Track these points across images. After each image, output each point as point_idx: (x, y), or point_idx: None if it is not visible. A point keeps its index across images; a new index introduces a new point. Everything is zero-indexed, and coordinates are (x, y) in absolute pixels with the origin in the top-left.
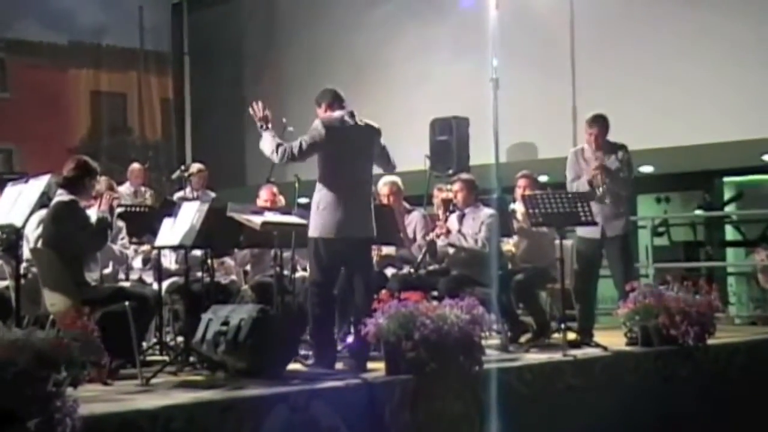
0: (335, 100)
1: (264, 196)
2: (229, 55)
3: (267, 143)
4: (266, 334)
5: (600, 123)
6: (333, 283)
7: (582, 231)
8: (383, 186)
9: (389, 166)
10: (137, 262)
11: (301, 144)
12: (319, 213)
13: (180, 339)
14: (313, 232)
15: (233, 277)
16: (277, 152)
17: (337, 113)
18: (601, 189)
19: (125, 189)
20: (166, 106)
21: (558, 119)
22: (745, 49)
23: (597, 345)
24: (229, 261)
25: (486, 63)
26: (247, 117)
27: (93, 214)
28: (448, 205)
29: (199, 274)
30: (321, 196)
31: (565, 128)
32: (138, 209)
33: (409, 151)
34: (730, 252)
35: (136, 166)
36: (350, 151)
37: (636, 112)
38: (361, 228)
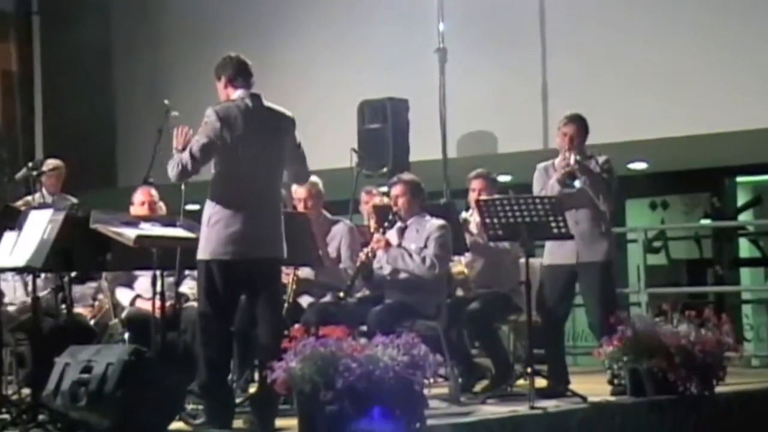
0: (240, 74)
1: (141, 200)
2: (93, 20)
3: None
4: (141, 384)
5: (577, 123)
6: (229, 317)
7: (550, 256)
8: (299, 188)
9: (303, 173)
10: None
11: (191, 150)
12: (211, 228)
13: (26, 391)
14: (202, 254)
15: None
16: (168, 169)
17: (238, 93)
18: (578, 183)
19: None
20: (8, 81)
21: (524, 103)
22: (765, 16)
23: (573, 394)
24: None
25: (430, 28)
26: (117, 100)
27: None
28: (381, 214)
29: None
30: (213, 207)
31: (533, 114)
32: None
33: (331, 143)
34: (745, 273)
35: None
36: (253, 147)
37: (623, 94)
38: (266, 246)
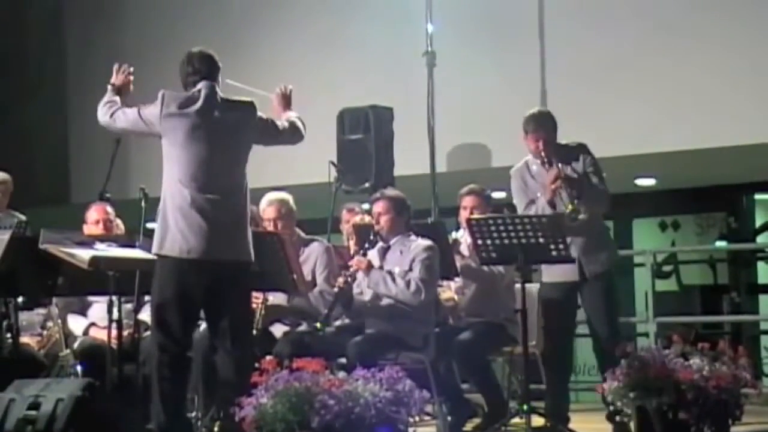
0: (201, 66)
1: (95, 218)
2: (43, 17)
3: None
4: (95, 423)
5: (546, 125)
6: (185, 334)
7: (550, 273)
8: (268, 206)
9: (295, 135)
10: None
11: (124, 110)
12: (162, 223)
13: None
14: (156, 248)
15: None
16: (99, 106)
17: (194, 87)
18: (569, 206)
19: None
20: None
21: (520, 113)
22: None
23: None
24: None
25: (418, 30)
26: (71, 105)
27: None
28: (363, 233)
29: None
30: (164, 203)
31: None
32: None
33: (307, 155)
34: (764, 301)
35: None
36: (208, 139)
37: (629, 103)
38: (227, 247)
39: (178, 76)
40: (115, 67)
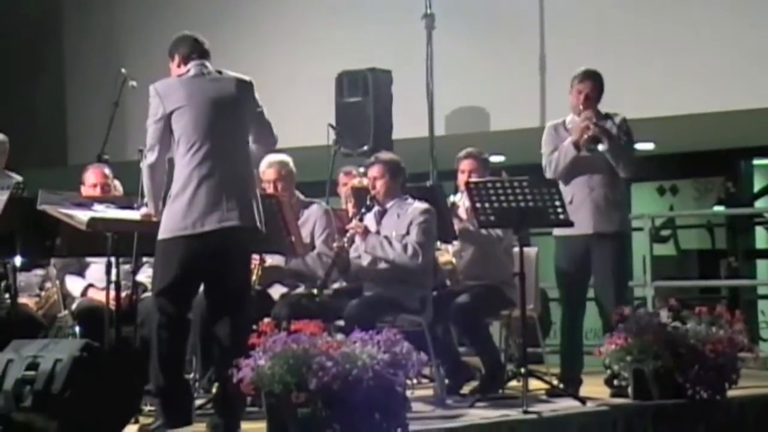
0: (193, 51)
1: (92, 181)
2: None
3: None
4: (93, 383)
5: (593, 79)
6: (186, 301)
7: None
8: (268, 168)
9: (268, 140)
10: None
11: (148, 143)
12: (170, 206)
13: None
14: (162, 234)
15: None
16: (144, 178)
17: (185, 68)
18: (601, 147)
19: None
20: None
21: (519, 75)
22: None
23: (573, 396)
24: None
25: None
26: (68, 66)
27: None
28: (361, 196)
29: None
30: (173, 184)
31: (529, 88)
32: None
33: (305, 118)
34: (761, 265)
35: None
36: (204, 113)
37: (628, 66)
38: (234, 213)
39: (172, 35)
40: None
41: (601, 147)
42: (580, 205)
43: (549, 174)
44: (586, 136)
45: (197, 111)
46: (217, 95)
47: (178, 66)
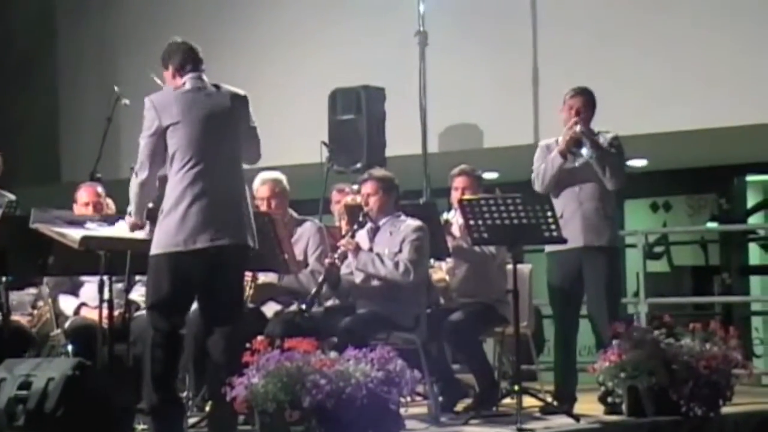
0: (189, 61)
1: (85, 200)
2: None
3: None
4: (85, 402)
5: (585, 95)
6: (179, 316)
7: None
8: (261, 186)
9: (253, 156)
10: None
11: (140, 158)
12: (163, 221)
13: None
14: (154, 249)
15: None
16: (132, 190)
17: (181, 80)
18: (585, 150)
19: None
20: None
21: (512, 93)
22: None
23: (567, 413)
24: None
25: (410, 9)
26: (61, 83)
27: None
28: (354, 214)
29: None
30: (166, 200)
31: (523, 106)
32: None
33: (299, 136)
34: (755, 282)
35: None
36: (199, 129)
37: (621, 83)
38: (226, 231)
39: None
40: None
41: (584, 151)
42: (570, 219)
43: (537, 186)
44: (568, 137)
45: (192, 128)
46: (213, 111)
47: (173, 76)
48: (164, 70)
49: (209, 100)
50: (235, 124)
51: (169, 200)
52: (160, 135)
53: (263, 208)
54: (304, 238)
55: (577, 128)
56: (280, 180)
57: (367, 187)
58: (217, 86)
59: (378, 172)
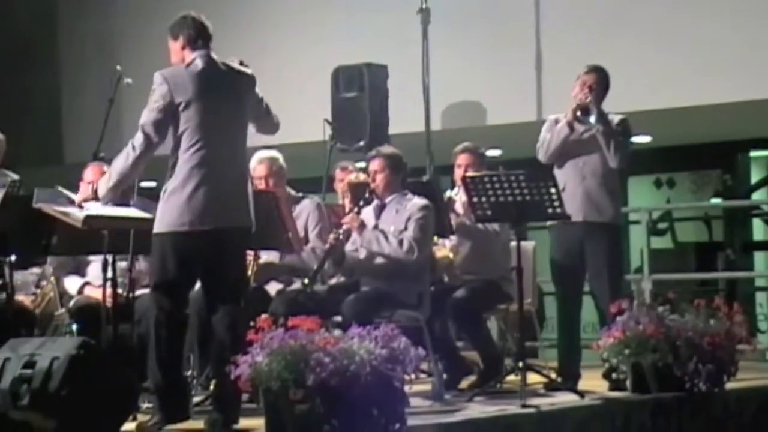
0: (200, 36)
1: (89, 179)
2: None
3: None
4: (90, 381)
5: (599, 74)
6: (183, 295)
7: None
8: (258, 165)
9: (272, 124)
10: None
11: (143, 128)
12: (167, 199)
13: None
14: (158, 227)
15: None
16: (119, 162)
17: (191, 57)
18: (593, 118)
19: None
20: None
21: (515, 69)
22: None
23: (571, 390)
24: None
25: None
26: (63, 64)
27: None
28: (357, 192)
29: None
30: (170, 178)
31: (526, 82)
32: None
33: (301, 114)
34: (759, 258)
35: None
36: (208, 110)
37: (625, 59)
38: (228, 215)
39: (168, 40)
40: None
41: (592, 119)
42: (572, 193)
43: (541, 155)
44: (577, 103)
45: (205, 108)
46: (225, 92)
47: (183, 48)
48: (172, 41)
49: (221, 81)
50: (244, 105)
51: (175, 179)
52: (171, 111)
53: (261, 186)
54: (303, 216)
55: (587, 97)
56: (277, 158)
57: (375, 164)
58: (226, 65)
59: (386, 149)
